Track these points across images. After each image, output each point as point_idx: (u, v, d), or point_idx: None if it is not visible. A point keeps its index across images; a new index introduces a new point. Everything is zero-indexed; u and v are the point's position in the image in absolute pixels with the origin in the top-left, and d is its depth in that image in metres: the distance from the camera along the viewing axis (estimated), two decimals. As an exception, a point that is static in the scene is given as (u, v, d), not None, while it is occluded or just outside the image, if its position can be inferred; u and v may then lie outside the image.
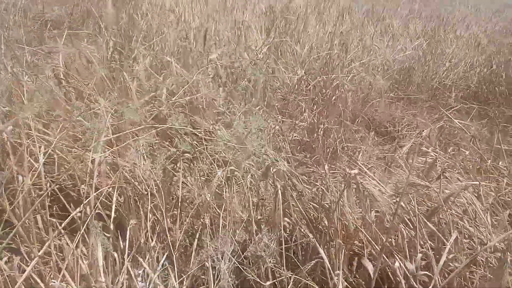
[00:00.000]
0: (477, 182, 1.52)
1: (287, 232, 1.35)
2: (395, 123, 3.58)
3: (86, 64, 2.06)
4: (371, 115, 3.47)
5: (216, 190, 1.42)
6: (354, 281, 1.31)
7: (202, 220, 1.45)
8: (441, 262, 1.19)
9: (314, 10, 4.97)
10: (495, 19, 6.76)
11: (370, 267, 1.21)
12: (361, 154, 2.63)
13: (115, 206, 1.37)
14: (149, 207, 1.38)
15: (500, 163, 2.11)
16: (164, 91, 1.84)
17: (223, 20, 3.74)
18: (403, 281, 1.26)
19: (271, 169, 1.37)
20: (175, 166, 1.55)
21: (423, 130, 2.60)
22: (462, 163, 2.05)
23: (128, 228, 1.24)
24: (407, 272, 1.26)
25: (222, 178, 1.40)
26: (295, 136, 2.46)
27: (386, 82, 3.39)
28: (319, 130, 2.62)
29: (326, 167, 1.35)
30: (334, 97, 2.77)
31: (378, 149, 2.96)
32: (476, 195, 1.47)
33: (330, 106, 2.74)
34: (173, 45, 2.51)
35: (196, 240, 1.41)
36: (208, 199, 1.33)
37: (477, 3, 8.43)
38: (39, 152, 1.36)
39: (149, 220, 1.41)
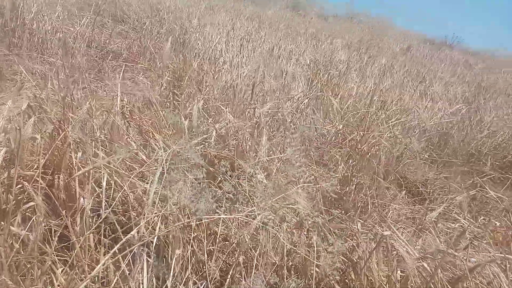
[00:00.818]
0: (505, 255, 1.57)
1: (316, 280, 1.43)
2: (427, 184, 3.61)
3: (144, 101, 2.28)
4: (404, 174, 3.52)
5: (253, 232, 1.53)
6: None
7: (236, 258, 1.56)
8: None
9: (356, 65, 5.16)
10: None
11: None
12: (391, 211, 2.69)
13: (159, 235, 1.51)
14: (192, 237, 1.51)
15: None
16: (214, 134, 2.01)
17: (270, 67, 3.97)
18: None
19: (307, 221, 1.47)
20: (218, 205, 1.69)
21: (456, 196, 2.63)
22: (491, 234, 2.08)
23: (174, 258, 1.36)
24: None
25: (260, 222, 1.52)
26: (328, 188, 2.55)
27: (419, 145, 3.45)
28: (351, 184, 2.71)
29: (359, 225, 1.44)
30: (369, 154, 2.87)
31: (408, 208, 3.00)
32: (503, 268, 1.51)
33: (364, 161, 2.83)
34: (224, 91, 2.72)
35: (229, 276, 1.52)
36: (246, 239, 1.45)
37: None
38: (102, 177, 1.53)
39: (187, 251, 1.54)
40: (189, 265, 1.53)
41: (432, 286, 1.46)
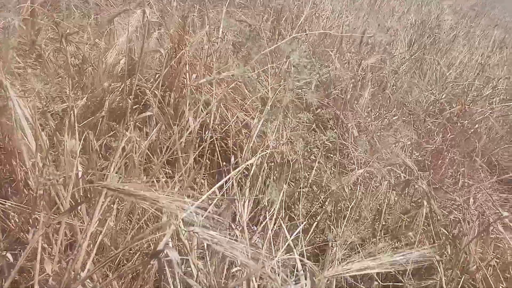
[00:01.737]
0: None
1: (406, 245, 1.39)
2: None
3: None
4: (501, 159, 3.25)
5: (351, 185, 1.50)
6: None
7: (323, 207, 1.55)
8: None
9: (466, 35, 4.70)
10: None
11: None
12: (480, 194, 2.52)
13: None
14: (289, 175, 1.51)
15: None
16: (316, 79, 1.95)
17: (372, 22, 3.72)
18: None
19: (410, 185, 1.40)
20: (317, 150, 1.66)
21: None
22: None
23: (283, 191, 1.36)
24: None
25: (360, 175, 1.47)
26: (418, 157, 2.43)
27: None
28: (443, 158, 2.55)
29: (471, 200, 1.35)
30: (471, 130, 2.66)
31: (497, 195, 2.79)
32: None
33: (463, 137, 2.63)
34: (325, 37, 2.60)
35: (316, 222, 1.51)
36: (346, 189, 1.42)
37: None
38: (213, 104, 1.55)
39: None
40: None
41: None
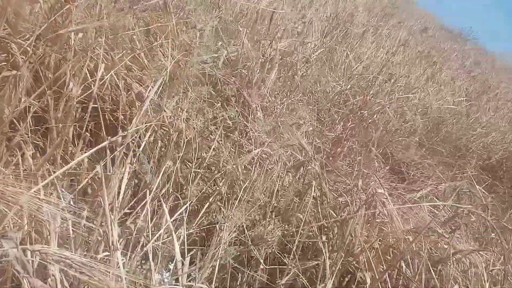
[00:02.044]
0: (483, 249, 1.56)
1: (295, 227, 1.38)
2: (410, 166, 3.60)
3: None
4: (392, 151, 3.48)
5: (246, 164, 1.45)
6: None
7: (219, 187, 1.49)
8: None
9: (375, 32, 4.96)
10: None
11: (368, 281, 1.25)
12: (373, 182, 2.66)
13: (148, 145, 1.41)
14: (181, 155, 1.41)
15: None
16: (224, 55, 1.86)
17: (289, 11, 3.73)
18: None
19: (304, 166, 1.39)
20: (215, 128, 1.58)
21: (440, 183, 2.62)
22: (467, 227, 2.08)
23: (163, 168, 1.26)
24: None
25: (256, 156, 1.43)
26: (319, 143, 2.48)
27: (417, 125, 3.40)
28: (343, 147, 2.64)
29: (360, 182, 1.38)
30: (370, 120, 2.79)
31: (388, 185, 2.98)
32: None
33: (362, 127, 2.76)
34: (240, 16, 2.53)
35: (208, 203, 1.44)
36: (239, 169, 1.36)
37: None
38: (99, 69, 1.39)
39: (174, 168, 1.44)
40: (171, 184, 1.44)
41: (410, 260, 1.44)
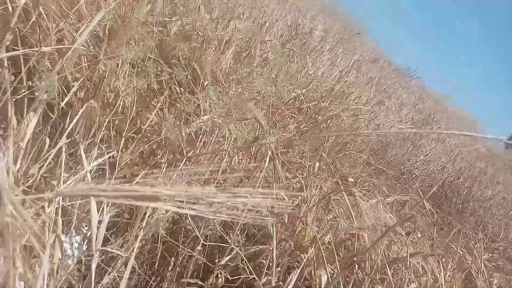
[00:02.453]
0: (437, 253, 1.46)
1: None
2: (356, 182, 3.55)
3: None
4: (341, 165, 3.42)
5: (192, 134, 1.25)
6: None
7: (159, 157, 1.27)
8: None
9: (332, 50, 5.00)
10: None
11: (324, 278, 1.08)
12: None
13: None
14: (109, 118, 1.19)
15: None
16: (179, 22, 1.67)
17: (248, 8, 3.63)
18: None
19: (258, 141, 1.22)
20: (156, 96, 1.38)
21: (389, 195, 2.56)
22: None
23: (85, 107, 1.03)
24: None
25: (205, 126, 1.24)
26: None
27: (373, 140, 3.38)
28: (293, 149, 2.51)
29: (317, 164, 1.22)
30: (323, 126, 2.70)
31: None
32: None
33: (315, 132, 2.66)
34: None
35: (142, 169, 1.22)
36: (181, 135, 1.16)
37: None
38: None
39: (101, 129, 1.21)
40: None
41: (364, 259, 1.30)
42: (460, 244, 1.99)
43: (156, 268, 1.21)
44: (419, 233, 2.31)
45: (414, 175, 4.31)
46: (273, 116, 2.80)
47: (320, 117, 2.77)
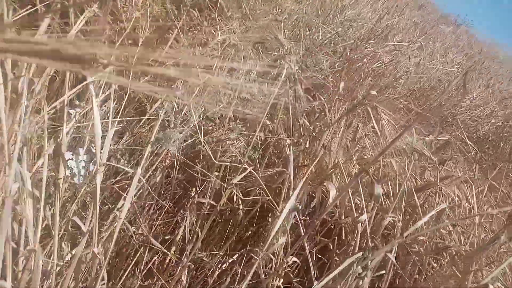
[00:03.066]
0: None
1: (264, 133, 1.15)
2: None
3: None
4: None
5: (210, 53, 1.20)
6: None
7: (175, 83, 1.24)
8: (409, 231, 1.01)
9: None
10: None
11: (332, 192, 1.03)
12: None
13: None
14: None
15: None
16: None
17: None
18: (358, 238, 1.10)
19: (281, 61, 1.15)
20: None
21: (428, 134, 2.43)
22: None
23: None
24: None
25: (223, 46, 1.18)
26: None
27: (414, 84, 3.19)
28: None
29: (342, 84, 1.15)
30: (358, 64, 2.56)
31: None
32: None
33: (351, 71, 2.53)
34: None
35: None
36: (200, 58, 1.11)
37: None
38: None
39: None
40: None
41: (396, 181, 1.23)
42: (504, 183, 1.86)
43: (174, 196, 1.21)
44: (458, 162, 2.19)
45: (458, 120, 4.07)
46: (306, 59, 2.69)
47: (356, 55, 2.62)
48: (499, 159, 3.65)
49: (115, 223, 0.82)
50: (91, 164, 0.86)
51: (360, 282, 0.94)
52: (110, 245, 0.75)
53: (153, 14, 1.29)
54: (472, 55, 6.53)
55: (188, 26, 1.39)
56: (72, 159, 0.83)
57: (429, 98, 3.99)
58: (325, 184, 1.11)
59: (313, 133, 1.17)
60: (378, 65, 2.80)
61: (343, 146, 1.31)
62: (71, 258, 0.77)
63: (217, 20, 1.32)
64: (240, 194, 1.02)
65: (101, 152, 0.76)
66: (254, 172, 0.98)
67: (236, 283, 1.12)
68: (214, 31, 1.30)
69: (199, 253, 1.02)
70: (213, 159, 1.03)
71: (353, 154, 1.32)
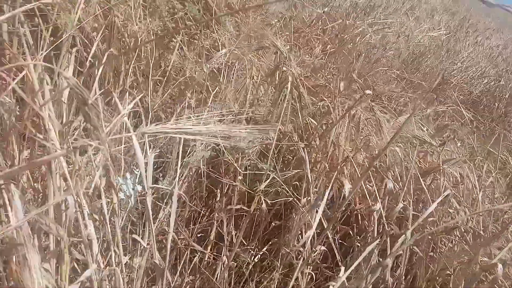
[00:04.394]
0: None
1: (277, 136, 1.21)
2: (392, 99, 3.47)
3: None
4: (374, 83, 3.33)
5: (214, 70, 1.25)
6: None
7: (187, 97, 1.29)
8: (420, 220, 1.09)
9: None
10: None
11: (347, 186, 1.11)
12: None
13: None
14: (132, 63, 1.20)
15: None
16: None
17: None
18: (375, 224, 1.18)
19: (280, 68, 1.21)
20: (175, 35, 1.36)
21: (425, 109, 2.50)
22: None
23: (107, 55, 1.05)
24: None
25: (224, 60, 1.23)
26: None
27: (404, 53, 3.24)
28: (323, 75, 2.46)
29: (342, 84, 1.20)
30: (350, 44, 2.60)
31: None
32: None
33: (343, 53, 2.57)
34: None
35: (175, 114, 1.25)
36: (204, 72, 1.16)
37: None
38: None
39: (129, 76, 1.24)
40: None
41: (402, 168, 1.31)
42: (502, 148, 1.94)
43: (204, 200, 1.28)
44: (458, 143, 2.28)
45: (452, 84, 4.13)
46: (297, 41, 2.72)
47: (346, 36, 2.65)
48: (495, 120, 3.74)
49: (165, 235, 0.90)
50: (137, 185, 0.93)
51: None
52: (166, 252, 0.84)
53: (152, 28, 1.33)
54: (458, 12, 6.53)
55: (188, 37, 1.43)
56: (124, 183, 0.90)
57: (421, 64, 4.03)
58: (338, 177, 1.19)
59: (321, 131, 1.24)
60: (369, 41, 2.84)
61: (349, 137, 1.38)
62: (137, 270, 0.85)
63: (213, 28, 1.37)
64: (268, 201, 1.09)
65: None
66: (276, 177, 1.06)
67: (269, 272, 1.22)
68: (213, 42, 1.35)
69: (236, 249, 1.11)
70: (238, 168, 1.10)
71: (359, 146, 1.38)
